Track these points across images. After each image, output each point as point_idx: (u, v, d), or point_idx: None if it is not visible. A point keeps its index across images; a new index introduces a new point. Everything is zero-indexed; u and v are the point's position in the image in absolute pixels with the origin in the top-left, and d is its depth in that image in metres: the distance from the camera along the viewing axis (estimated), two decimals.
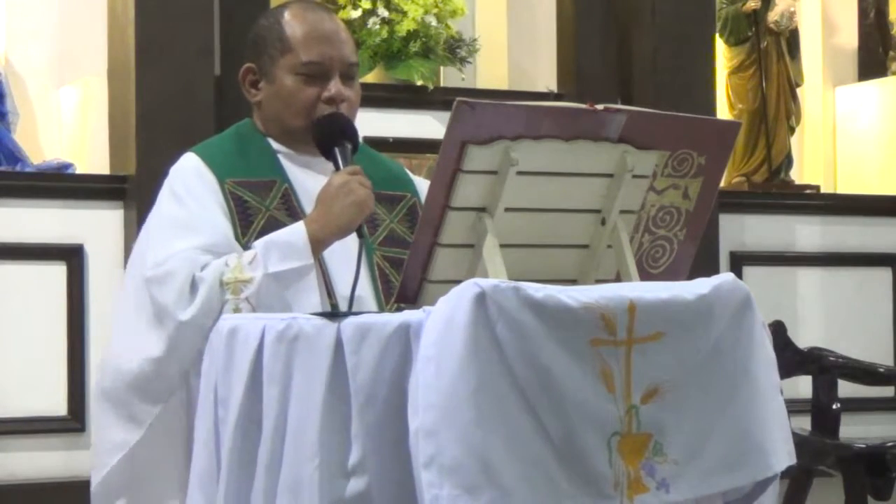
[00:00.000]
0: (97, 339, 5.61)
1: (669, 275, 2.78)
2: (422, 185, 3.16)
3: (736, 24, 7.53)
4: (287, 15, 3.01)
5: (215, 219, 2.90)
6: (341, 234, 2.84)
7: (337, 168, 2.89)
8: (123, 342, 2.90)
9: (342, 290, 2.86)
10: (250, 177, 2.97)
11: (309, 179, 2.99)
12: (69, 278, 5.61)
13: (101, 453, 2.92)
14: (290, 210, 2.94)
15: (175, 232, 2.87)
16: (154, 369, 2.81)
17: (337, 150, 2.91)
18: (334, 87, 2.97)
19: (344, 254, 2.88)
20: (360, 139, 3.01)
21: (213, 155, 3.00)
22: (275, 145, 3.04)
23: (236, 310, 2.75)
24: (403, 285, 2.59)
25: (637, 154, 2.65)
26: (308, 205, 2.94)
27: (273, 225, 2.89)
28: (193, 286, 2.79)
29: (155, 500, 2.89)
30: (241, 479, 2.51)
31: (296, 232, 2.82)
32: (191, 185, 2.94)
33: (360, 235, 2.82)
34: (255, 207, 2.93)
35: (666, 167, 2.72)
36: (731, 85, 7.59)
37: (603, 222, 2.68)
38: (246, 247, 2.86)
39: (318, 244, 2.83)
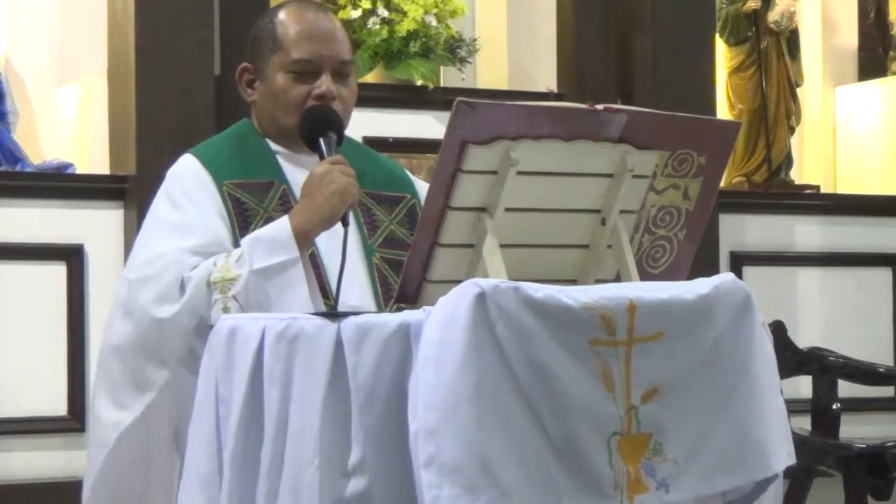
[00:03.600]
0: (97, 340, 5.59)
1: (669, 275, 2.78)
2: (421, 187, 3.16)
3: (736, 24, 7.54)
4: (282, 14, 3.02)
5: (210, 221, 2.90)
6: (326, 224, 2.83)
7: (322, 159, 2.89)
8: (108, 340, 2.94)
9: (351, 295, 2.86)
10: (248, 178, 2.97)
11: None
12: (69, 278, 5.62)
13: (95, 441, 2.93)
14: (288, 211, 2.93)
15: (168, 234, 2.88)
16: (126, 360, 2.85)
17: (321, 141, 2.90)
18: (324, 83, 2.97)
19: (340, 253, 2.88)
20: (360, 138, 3.01)
21: (212, 156, 2.99)
22: (273, 146, 3.04)
23: (225, 309, 2.75)
24: (403, 285, 2.59)
25: (637, 154, 2.65)
26: None
27: None
28: (182, 287, 2.80)
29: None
30: (243, 479, 2.51)
31: (280, 226, 2.82)
32: (187, 188, 2.94)
33: (345, 224, 2.81)
34: (254, 209, 2.93)
35: (666, 167, 2.72)
36: (731, 85, 7.59)
37: (603, 222, 2.68)
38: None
39: (304, 236, 2.82)
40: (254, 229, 2.89)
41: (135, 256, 2.91)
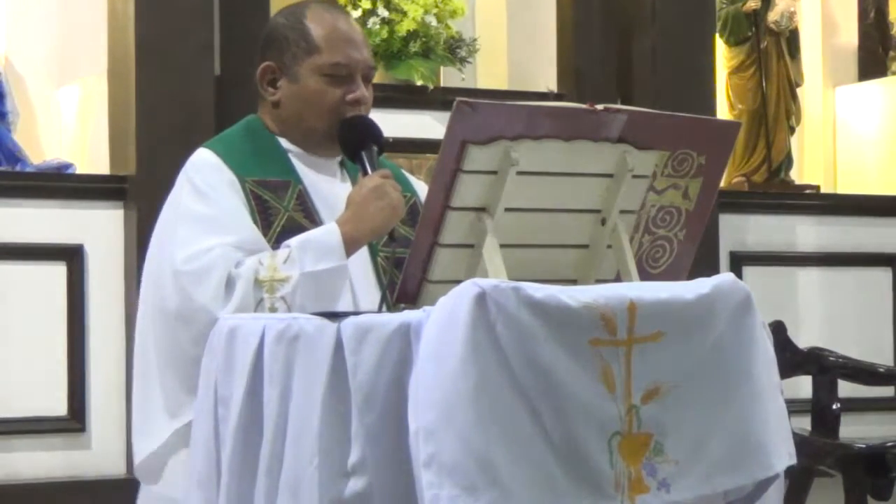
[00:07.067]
0: (97, 340, 5.61)
1: (669, 275, 2.78)
2: (419, 186, 3.17)
3: (736, 24, 7.53)
4: (309, 15, 3.01)
5: (243, 216, 2.88)
6: (374, 236, 2.87)
7: (364, 171, 2.90)
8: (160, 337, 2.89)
9: (358, 295, 2.88)
10: (266, 176, 2.97)
11: (320, 181, 3.01)
12: (69, 278, 5.61)
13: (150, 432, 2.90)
14: (307, 212, 2.94)
15: (204, 228, 2.84)
16: (182, 363, 2.81)
17: (364, 154, 2.92)
18: (359, 88, 2.99)
19: (356, 259, 2.89)
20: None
21: (230, 153, 2.97)
22: (285, 144, 3.04)
23: (272, 308, 2.75)
24: (403, 285, 2.60)
25: (637, 154, 2.65)
26: (321, 206, 2.95)
27: (292, 226, 2.89)
28: (229, 284, 2.78)
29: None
30: (242, 479, 2.51)
31: (330, 232, 2.83)
32: (213, 181, 2.91)
33: (393, 238, 2.87)
34: (275, 208, 2.93)
35: (666, 167, 2.72)
36: (731, 85, 7.59)
37: (603, 222, 2.68)
38: (272, 247, 2.85)
39: (352, 245, 2.84)
40: (275, 228, 2.89)
41: (176, 253, 2.83)
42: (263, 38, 3.06)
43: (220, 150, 2.97)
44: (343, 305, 2.84)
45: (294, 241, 2.82)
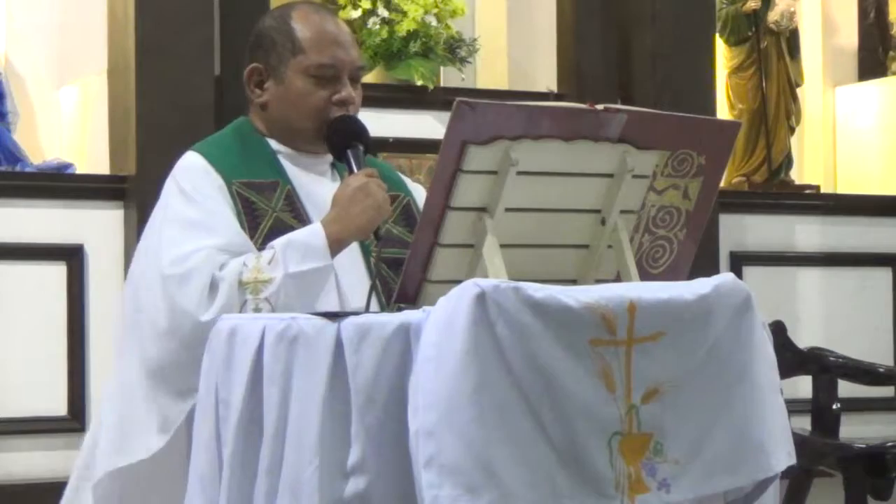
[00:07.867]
0: (97, 339, 5.61)
1: (669, 275, 2.78)
2: (413, 187, 3.17)
3: (736, 24, 7.54)
4: (295, 16, 3.01)
5: (228, 219, 2.89)
6: (360, 235, 2.86)
7: (350, 170, 2.91)
8: (141, 347, 2.87)
9: (349, 295, 2.87)
10: (254, 178, 2.97)
11: (309, 181, 3.00)
12: (69, 278, 5.62)
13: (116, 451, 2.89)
14: (295, 212, 2.94)
15: (189, 231, 2.84)
16: (174, 370, 2.79)
17: (350, 153, 2.92)
18: (345, 89, 2.98)
19: (348, 259, 2.89)
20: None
21: (217, 155, 2.98)
22: (274, 145, 3.04)
23: (256, 310, 2.75)
24: (403, 285, 2.59)
25: (637, 154, 2.65)
26: (310, 206, 2.95)
27: (280, 227, 2.89)
28: (213, 286, 2.78)
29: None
30: (243, 480, 2.51)
31: (315, 233, 2.83)
32: (200, 184, 2.92)
33: (378, 238, 2.86)
34: (262, 209, 2.93)
35: (666, 167, 2.72)
36: (731, 85, 7.59)
37: (603, 222, 2.68)
38: (259, 248, 2.85)
39: (337, 245, 2.84)
40: (262, 229, 2.89)
41: (162, 255, 2.83)
42: (251, 39, 3.07)
43: (207, 153, 2.98)
44: (329, 305, 2.83)
45: (278, 242, 2.82)
